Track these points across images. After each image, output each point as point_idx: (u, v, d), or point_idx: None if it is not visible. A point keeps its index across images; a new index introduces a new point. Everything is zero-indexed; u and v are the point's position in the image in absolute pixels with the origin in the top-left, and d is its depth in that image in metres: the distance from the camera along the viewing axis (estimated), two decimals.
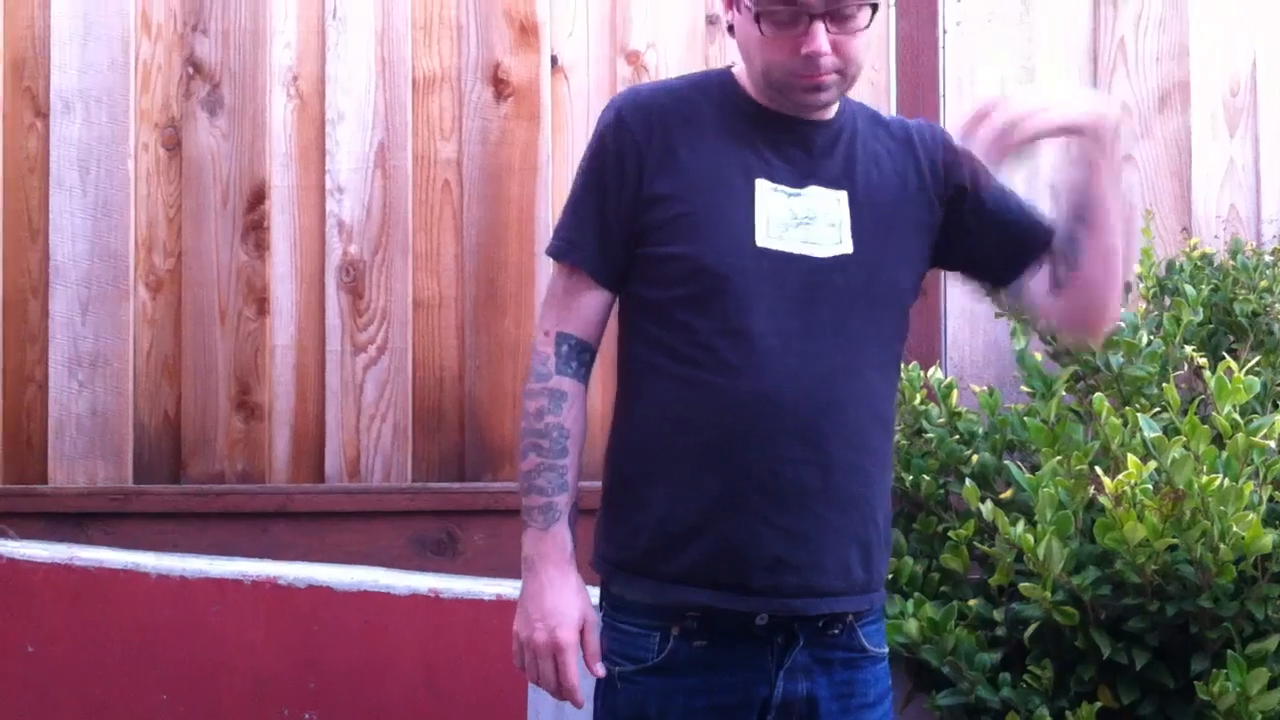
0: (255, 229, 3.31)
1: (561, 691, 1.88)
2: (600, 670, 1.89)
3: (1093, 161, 1.85)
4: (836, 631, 1.91)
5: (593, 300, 1.95)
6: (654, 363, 1.90)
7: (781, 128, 1.93)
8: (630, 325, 1.95)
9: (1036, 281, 2.00)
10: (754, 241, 1.86)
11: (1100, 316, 1.99)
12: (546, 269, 2.99)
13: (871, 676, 1.95)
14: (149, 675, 2.93)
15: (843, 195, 1.92)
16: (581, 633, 1.89)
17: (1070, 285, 1.95)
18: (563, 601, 1.88)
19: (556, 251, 1.97)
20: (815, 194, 1.91)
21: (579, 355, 1.94)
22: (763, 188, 1.89)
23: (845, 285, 1.89)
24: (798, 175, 1.91)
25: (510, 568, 3.20)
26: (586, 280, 1.94)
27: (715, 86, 1.97)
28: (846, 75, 1.89)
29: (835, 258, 1.89)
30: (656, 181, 1.90)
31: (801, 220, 1.89)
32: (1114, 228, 1.90)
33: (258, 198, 3.31)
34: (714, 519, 1.85)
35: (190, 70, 3.32)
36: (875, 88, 3.25)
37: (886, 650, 2.00)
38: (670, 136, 1.91)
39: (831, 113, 1.97)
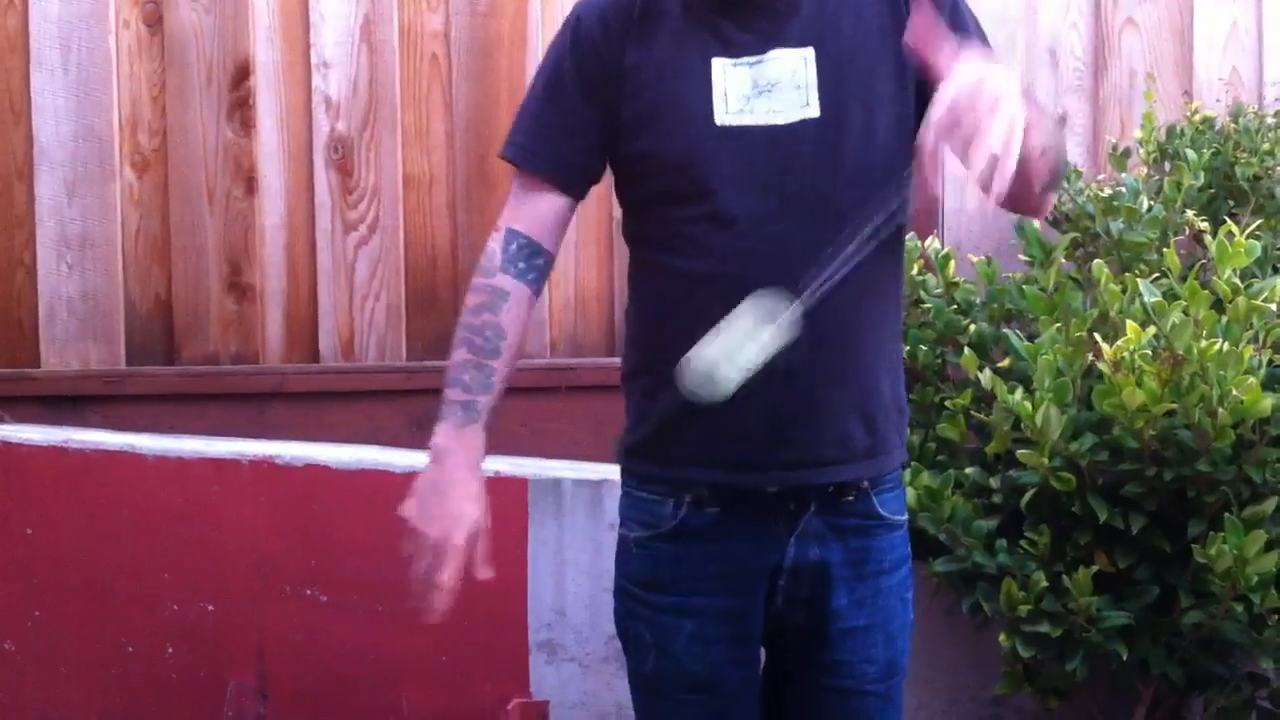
0: (241, 106, 3.25)
1: (428, 587, 1.84)
2: (487, 573, 1.86)
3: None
4: (851, 498, 1.91)
5: (546, 201, 1.92)
6: (644, 257, 1.92)
7: None
8: (626, 227, 1.96)
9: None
10: (713, 121, 1.83)
11: (1025, 208, 1.90)
12: None
13: (887, 544, 1.95)
14: (149, 556, 2.94)
15: (809, 53, 1.84)
16: (471, 540, 1.86)
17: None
18: (466, 506, 1.85)
19: (505, 153, 1.96)
20: (778, 57, 1.84)
21: (528, 257, 1.90)
22: (719, 65, 1.84)
23: (816, 151, 1.83)
24: (760, 42, 1.85)
25: (507, 445, 3.23)
26: (538, 181, 1.92)
27: None
28: None
29: (800, 123, 1.83)
30: (616, 83, 1.88)
31: (764, 89, 1.84)
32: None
33: (242, 74, 3.25)
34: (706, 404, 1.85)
35: None
36: None
37: (905, 518, 1.99)
38: (626, 38, 1.88)
39: None
